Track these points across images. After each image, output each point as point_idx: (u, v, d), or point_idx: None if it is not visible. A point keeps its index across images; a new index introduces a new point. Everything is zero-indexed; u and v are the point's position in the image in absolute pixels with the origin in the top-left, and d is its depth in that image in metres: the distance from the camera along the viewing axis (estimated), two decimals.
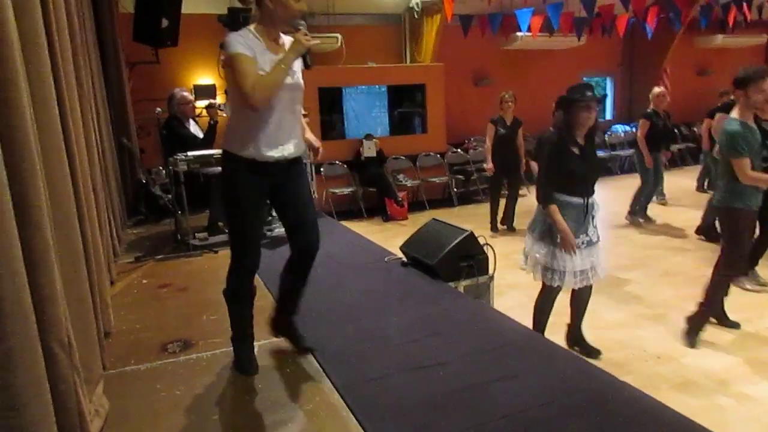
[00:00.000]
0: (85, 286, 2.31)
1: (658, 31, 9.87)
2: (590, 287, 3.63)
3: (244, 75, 2.32)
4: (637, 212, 7.36)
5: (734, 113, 3.75)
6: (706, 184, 8.85)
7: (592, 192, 3.46)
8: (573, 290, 3.62)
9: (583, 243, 3.40)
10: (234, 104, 2.53)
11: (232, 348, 2.79)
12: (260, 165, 2.49)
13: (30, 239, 1.54)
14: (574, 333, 3.85)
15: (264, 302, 3.54)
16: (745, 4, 9.17)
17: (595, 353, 3.74)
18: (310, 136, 2.82)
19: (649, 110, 7.14)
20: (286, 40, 2.55)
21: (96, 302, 2.61)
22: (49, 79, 2.08)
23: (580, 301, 3.75)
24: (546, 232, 3.42)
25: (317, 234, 2.74)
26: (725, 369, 3.52)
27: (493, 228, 7.40)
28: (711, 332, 4.04)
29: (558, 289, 3.54)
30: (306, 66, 2.56)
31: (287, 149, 2.55)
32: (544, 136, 3.60)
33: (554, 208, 3.32)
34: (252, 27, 2.49)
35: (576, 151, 3.36)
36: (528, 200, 7.83)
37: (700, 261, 5.61)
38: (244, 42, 2.38)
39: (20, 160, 1.53)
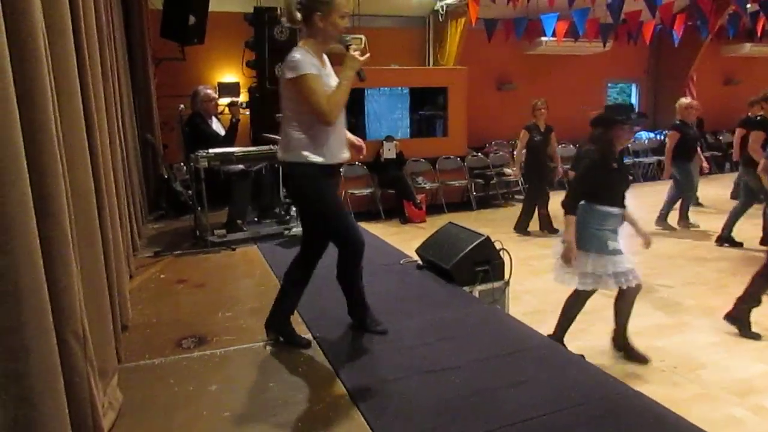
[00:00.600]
0: (103, 280, 2.34)
1: (684, 39, 9.76)
2: (632, 290, 3.66)
3: (319, 94, 2.57)
4: (682, 217, 7.38)
5: None
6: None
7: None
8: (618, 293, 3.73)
9: (616, 250, 3.53)
10: (301, 117, 2.68)
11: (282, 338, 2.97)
12: (331, 168, 2.77)
13: (48, 231, 1.56)
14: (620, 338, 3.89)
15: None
16: None
17: (642, 359, 3.75)
18: (350, 136, 3.01)
19: (677, 121, 7.07)
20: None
21: (114, 296, 2.65)
22: (74, 73, 2.11)
23: (624, 304, 3.79)
24: (592, 239, 3.53)
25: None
26: (743, 381, 3.47)
27: (525, 231, 7.44)
28: (729, 343, 3.98)
29: (590, 293, 3.69)
30: (361, 78, 2.75)
31: (347, 151, 2.87)
32: (583, 151, 3.71)
33: (572, 218, 3.49)
34: (304, 45, 2.68)
35: (615, 166, 3.54)
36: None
37: (721, 271, 5.53)
38: (310, 62, 2.59)
39: (40, 152, 1.55)
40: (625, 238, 3.68)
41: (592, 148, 3.70)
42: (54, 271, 1.57)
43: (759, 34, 9.96)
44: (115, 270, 2.75)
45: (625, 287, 3.56)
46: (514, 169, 7.25)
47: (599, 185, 3.54)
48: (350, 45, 2.72)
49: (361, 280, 3.03)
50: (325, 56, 2.81)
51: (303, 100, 2.61)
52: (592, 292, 3.70)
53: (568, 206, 3.52)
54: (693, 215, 7.45)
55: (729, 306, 4.60)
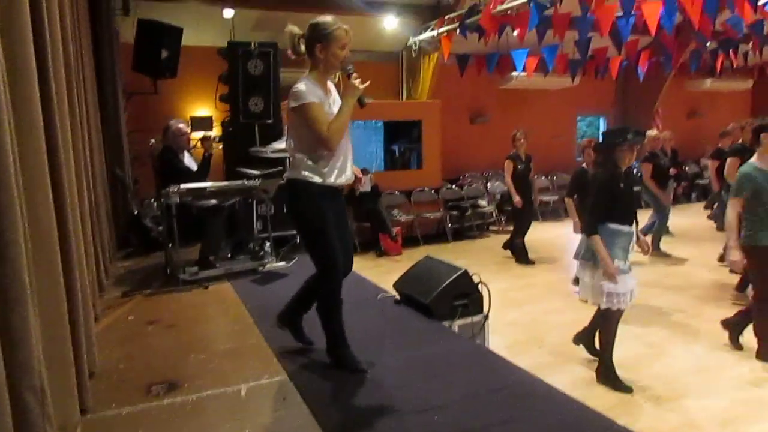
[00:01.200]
0: (65, 325, 2.21)
1: (649, 74, 10.09)
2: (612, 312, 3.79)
3: (320, 122, 2.74)
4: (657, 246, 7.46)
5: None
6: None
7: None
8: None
9: (629, 267, 3.72)
10: (305, 142, 2.86)
11: (338, 355, 3.02)
12: (332, 190, 2.93)
13: (4, 278, 1.45)
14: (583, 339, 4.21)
15: (256, 341, 3.44)
16: (732, 51, 9.45)
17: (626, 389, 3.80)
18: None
19: (647, 153, 7.25)
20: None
21: (79, 342, 2.50)
22: (37, 107, 2.02)
23: (602, 321, 3.94)
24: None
25: (353, 254, 3.22)
26: (725, 409, 3.45)
27: (528, 260, 7.55)
28: (710, 371, 3.97)
29: (620, 312, 3.75)
30: (361, 105, 2.87)
31: (348, 175, 3.00)
32: (591, 176, 4.24)
33: (598, 238, 3.64)
34: (309, 75, 2.87)
35: (622, 186, 3.72)
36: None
37: (696, 299, 5.56)
38: (313, 91, 2.78)
39: None
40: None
41: (600, 171, 3.90)
42: (9, 322, 1.45)
43: (719, 70, 10.38)
44: (82, 314, 2.61)
45: (604, 307, 3.70)
46: (515, 198, 7.32)
47: (610, 205, 3.71)
48: (352, 73, 2.83)
49: (340, 314, 3.04)
50: (330, 84, 2.99)
51: (306, 127, 2.78)
52: (621, 312, 3.77)
53: (592, 228, 3.69)
54: (665, 244, 7.55)
55: (707, 332, 4.64)
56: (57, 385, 1.87)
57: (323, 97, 2.84)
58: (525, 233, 7.63)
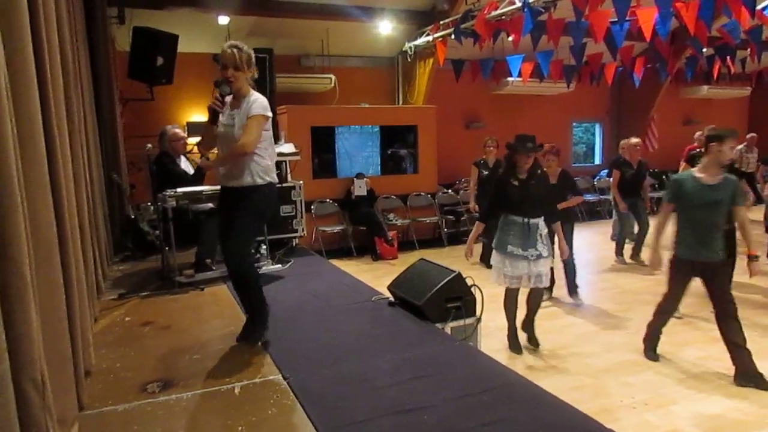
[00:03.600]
0: (64, 324, 2.27)
1: (645, 81, 10.10)
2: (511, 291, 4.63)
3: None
4: (618, 252, 7.63)
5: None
6: None
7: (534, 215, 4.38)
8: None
9: (532, 256, 4.35)
10: (260, 145, 3.34)
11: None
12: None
13: (7, 275, 1.51)
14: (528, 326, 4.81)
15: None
16: (729, 58, 9.44)
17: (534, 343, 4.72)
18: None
19: (620, 159, 7.35)
20: (252, 98, 3.37)
21: (76, 340, 2.56)
22: (36, 115, 2.08)
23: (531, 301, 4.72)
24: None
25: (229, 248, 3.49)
26: (713, 416, 3.49)
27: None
28: (698, 379, 4.02)
29: (515, 291, 4.62)
30: (210, 122, 3.49)
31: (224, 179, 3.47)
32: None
33: (478, 224, 4.80)
34: None
35: (516, 183, 4.41)
36: None
37: (686, 306, 5.60)
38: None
39: (0, 194, 1.52)
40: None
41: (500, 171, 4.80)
42: (12, 317, 1.51)
43: (715, 77, 10.38)
44: (79, 314, 2.67)
45: (506, 286, 4.52)
46: (471, 204, 7.45)
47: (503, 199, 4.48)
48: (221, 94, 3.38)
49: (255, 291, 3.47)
50: (247, 99, 3.38)
51: (256, 132, 3.33)
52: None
53: (480, 216, 4.94)
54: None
55: (696, 341, 4.69)
56: (55, 380, 1.93)
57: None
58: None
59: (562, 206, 5.31)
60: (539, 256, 4.36)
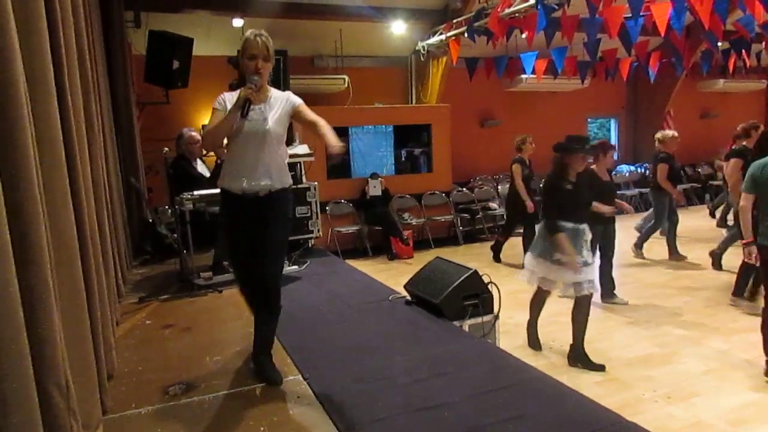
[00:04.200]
0: (86, 328, 2.29)
1: (660, 75, 9.99)
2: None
3: (208, 125, 2.99)
4: (639, 245, 7.57)
5: None
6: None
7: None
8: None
9: (578, 263, 4.04)
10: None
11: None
12: (229, 194, 3.05)
13: (30, 278, 1.53)
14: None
15: None
16: (744, 51, 9.34)
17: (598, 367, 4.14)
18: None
19: (663, 154, 7.18)
20: (275, 93, 2.99)
21: (98, 344, 2.59)
22: (56, 120, 2.10)
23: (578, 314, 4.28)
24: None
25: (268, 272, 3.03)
26: (735, 409, 3.45)
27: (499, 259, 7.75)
28: (720, 372, 3.97)
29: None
30: (242, 115, 2.81)
31: (246, 185, 2.95)
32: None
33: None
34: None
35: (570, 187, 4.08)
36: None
37: (707, 301, 5.54)
38: (220, 99, 2.96)
39: (22, 199, 1.53)
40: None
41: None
42: (35, 320, 1.53)
43: (731, 70, 10.29)
44: (100, 318, 2.69)
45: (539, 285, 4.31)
46: (528, 202, 7.25)
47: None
48: (252, 86, 2.81)
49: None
50: (271, 93, 2.98)
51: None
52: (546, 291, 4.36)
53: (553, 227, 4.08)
54: (679, 245, 7.50)
55: (718, 334, 4.62)
56: (79, 384, 1.95)
57: (228, 105, 2.88)
58: (510, 235, 7.85)
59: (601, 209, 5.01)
60: (585, 263, 4.07)
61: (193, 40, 7.26)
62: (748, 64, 10.34)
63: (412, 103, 10.83)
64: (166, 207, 5.62)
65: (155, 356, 3.44)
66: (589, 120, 13.26)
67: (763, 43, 9.33)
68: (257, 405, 2.73)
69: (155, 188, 7.73)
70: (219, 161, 5.59)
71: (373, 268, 7.32)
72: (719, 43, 8.25)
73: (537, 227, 4.43)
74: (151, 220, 6.51)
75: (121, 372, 3.17)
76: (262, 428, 2.50)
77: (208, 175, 5.62)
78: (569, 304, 4.24)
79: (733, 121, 7.25)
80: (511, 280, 6.54)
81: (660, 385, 3.82)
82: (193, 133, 5.70)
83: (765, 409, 3.46)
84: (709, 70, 10.37)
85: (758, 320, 3.99)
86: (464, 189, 10.17)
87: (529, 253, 4.34)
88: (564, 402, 2.63)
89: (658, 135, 7.38)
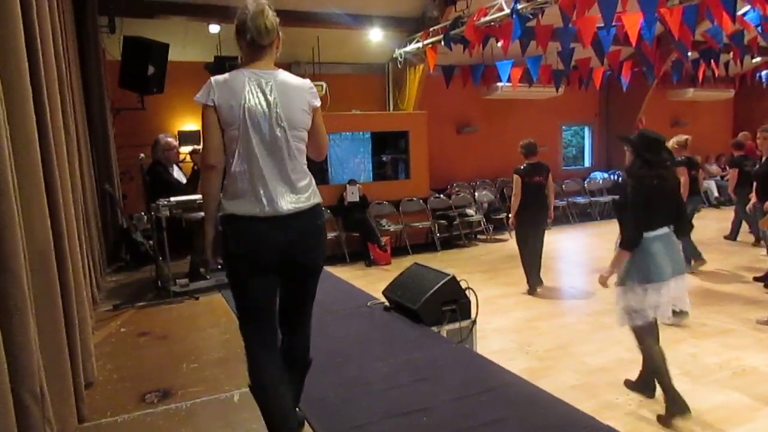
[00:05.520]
0: (62, 336, 2.26)
1: (632, 84, 10.24)
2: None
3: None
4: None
5: None
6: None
7: None
8: None
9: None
10: None
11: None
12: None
13: (6, 287, 1.51)
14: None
15: None
16: (713, 61, 9.64)
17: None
18: None
19: (691, 157, 7.30)
20: None
21: (75, 352, 2.55)
22: (32, 126, 2.08)
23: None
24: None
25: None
26: (707, 411, 3.51)
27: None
28: (692, 375, 4.05)
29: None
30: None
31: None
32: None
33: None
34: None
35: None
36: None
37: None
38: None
39: None
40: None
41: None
42: (11, 329, 1.51)
43: (701, 79, 10.57)
44: (77, 325, 2.66)
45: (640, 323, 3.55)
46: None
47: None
48: None
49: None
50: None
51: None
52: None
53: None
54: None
55: (688, 337, 4.71)
56: (54, 392, 1.92)
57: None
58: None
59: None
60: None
61: (168, 45, 7.20)
62: (716, 74, 10.70)
63: (389, 110, 10.88)
64: (142, 213, 5.56)
65: (131, 364, 3.40)
66: (563, 127, 13.47)
67: (731, 54, 9.61)
68: (235, 412, 2.72)
69: (130, 195, 7.65)
70: (195, 167, 5.57)
71: (351, 274, 7.32)
72: (689, 53, 8.48)
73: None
74: (126, 227, 6.43)
75: (97, 380, 3.12)
76: None
77: (184, 181, 5.58)
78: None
79: (702, 129, 7.45)
80: (488, 286, 6.61)
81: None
82: (170, 139, 5.66)
83: (736, 411, 3.53)
84: (680, 79, 10.67)
85: (722, 325, 4.06)
86: (441, 195, 10.23)
87: (624, 290, 3.56)
88: (540, 406, 2.66)
89: (674, 140, 7.19)
